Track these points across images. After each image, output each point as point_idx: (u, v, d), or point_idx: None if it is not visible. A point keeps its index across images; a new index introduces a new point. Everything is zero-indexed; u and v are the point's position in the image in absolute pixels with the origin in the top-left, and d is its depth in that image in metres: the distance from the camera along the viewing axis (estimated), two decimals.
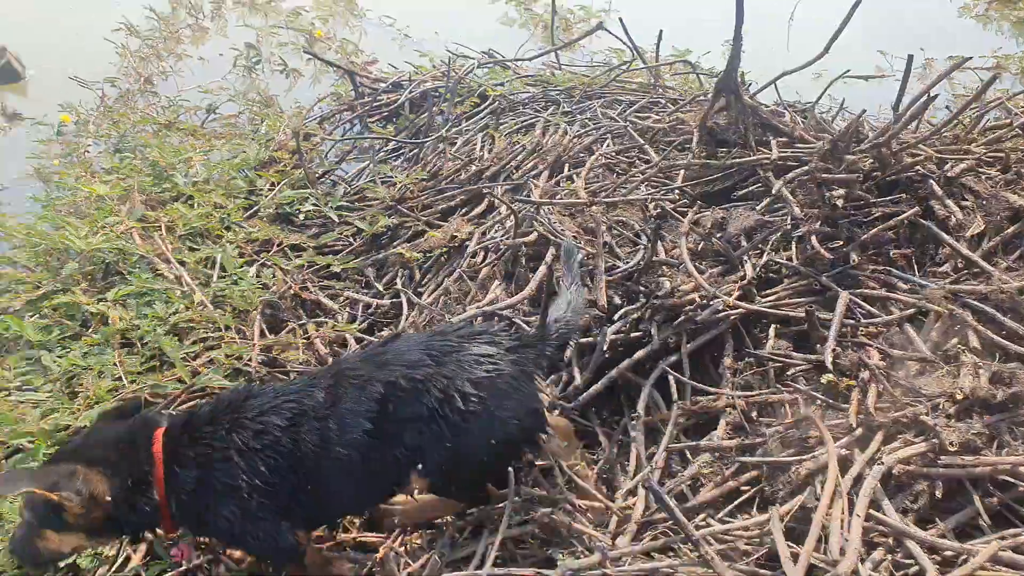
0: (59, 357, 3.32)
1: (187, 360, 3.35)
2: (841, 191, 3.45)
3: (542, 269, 3.32)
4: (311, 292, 3.77)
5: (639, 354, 2.99)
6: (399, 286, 3.69)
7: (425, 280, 3.75)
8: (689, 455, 2.79)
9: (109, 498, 2.07)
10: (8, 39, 6.49)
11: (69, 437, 2.82)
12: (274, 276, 3.86)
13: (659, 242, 3.42)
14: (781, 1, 7.30)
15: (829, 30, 3.99)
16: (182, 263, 3.89)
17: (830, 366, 2.80)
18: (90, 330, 3.52)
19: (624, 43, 5.86)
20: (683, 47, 6.21)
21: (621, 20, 5.83)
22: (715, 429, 2.82)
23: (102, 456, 2.12)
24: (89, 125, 5.66)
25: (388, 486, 2.36)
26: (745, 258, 3.31)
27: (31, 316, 3.63)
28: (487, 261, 3.63)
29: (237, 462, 2.14)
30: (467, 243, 3.75)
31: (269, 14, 7.56)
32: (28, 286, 3.72)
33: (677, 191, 3.97)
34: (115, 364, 3.34)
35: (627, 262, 3.34)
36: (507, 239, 3.65)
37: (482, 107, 5.42)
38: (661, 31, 5.74)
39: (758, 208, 3.63)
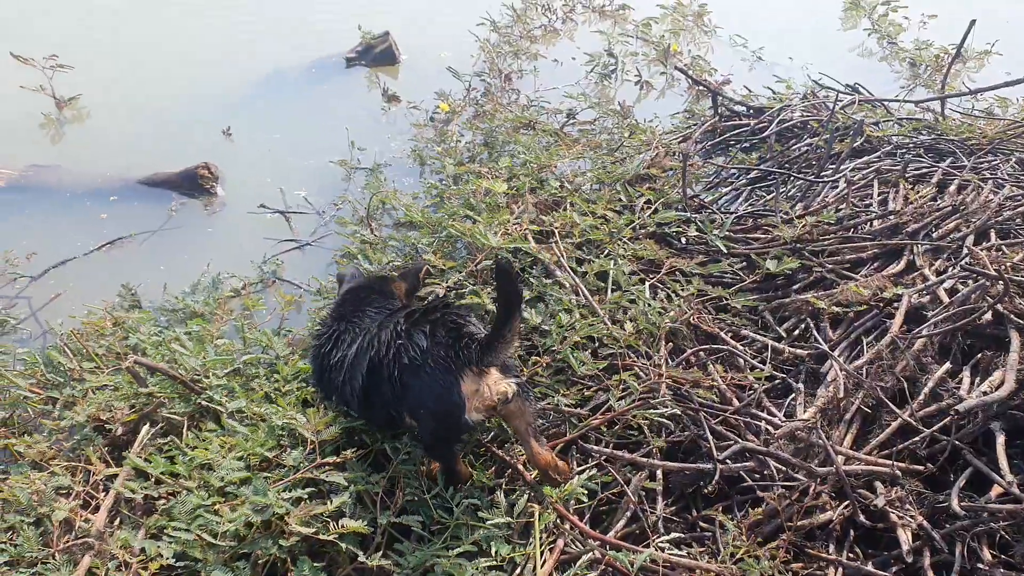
0: None
1: (597, 376, 3.35)
2: None
3: (1012, 358, 2.93)
4: (710, 325, 3.64)
5: None
6: (814, 338, 3.44)
7: (840, 337, 3.47)
8: None
9: None
10: (388, 24, 7.02)
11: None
12: (668, 300, 3.79)
13: None
14: None
15: None
16: (574, 271, 3.92)
17: None
18: None
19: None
20: None
21: None
22: None
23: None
24: (459, 115, 5.95)
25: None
26: None
27: None
28: (920, 331, 3.29)
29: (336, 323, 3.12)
30: (894, 305, 3.43)
31: (619, 22, 7.58)
32: (439, 278, 3.90)
33: None
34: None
35: None
36: (945, 310, 3.30)
37: (857, 147, 5.04)
38: None
39: None
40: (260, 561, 2.63)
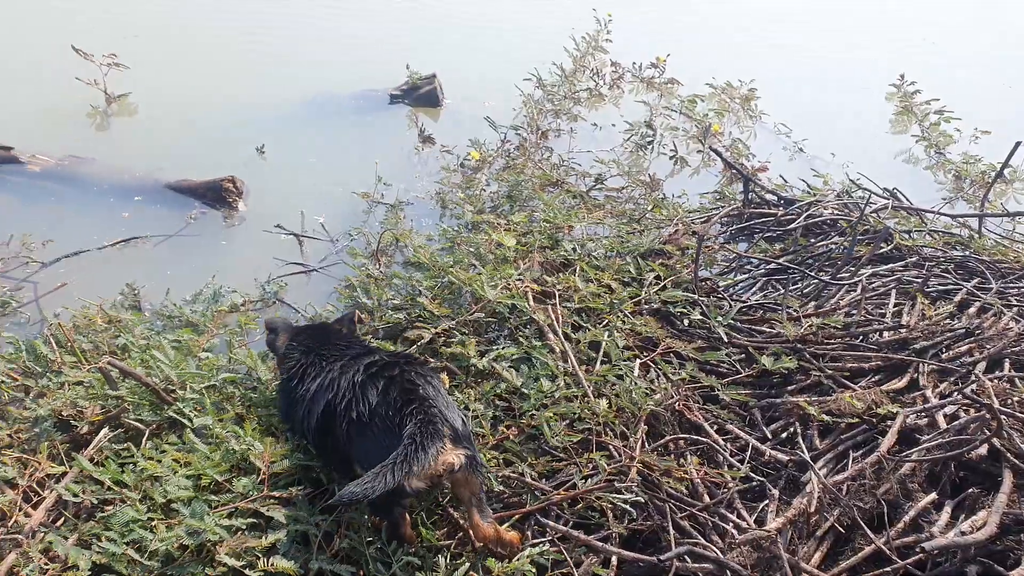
0: None
1: (567, 449, 3.25)
2: None
3: (1000, 499, 2.77)
4: (695, 414, 3.52)
5: None
6: (800, 446, 3.30)
7: (826, 447, 3.33)
8: None
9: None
10: (438, 67, 7.14)
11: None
12: (657, 381, 3.69)
13: None
14: None
15: None
16: (567, 337, 3.84)
17: None
18: (475, 385, 3.55)
19: None
20: None
21: None
22: None
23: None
24: (489, 165, 5.97)
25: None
26: None
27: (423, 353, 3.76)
28: (909, 455, 3.14)
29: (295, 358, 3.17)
30: (887, 423, 3.29)
31: (665, 95, 7.61)
32: (431, 323, 3.86)
33: None
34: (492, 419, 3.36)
35: None
36: (940, 438, 3.15)
37: (883, 253, 4.93)
38: None
39: None
40: None
